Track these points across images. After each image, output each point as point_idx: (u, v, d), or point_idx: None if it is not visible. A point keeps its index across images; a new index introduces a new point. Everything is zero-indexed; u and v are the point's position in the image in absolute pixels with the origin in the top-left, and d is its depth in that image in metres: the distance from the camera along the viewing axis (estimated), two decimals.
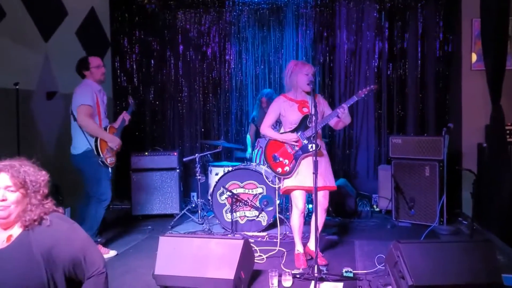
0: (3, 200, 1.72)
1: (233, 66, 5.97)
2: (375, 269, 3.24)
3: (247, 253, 2.95)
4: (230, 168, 4.60)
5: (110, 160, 3.90)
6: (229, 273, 2.71)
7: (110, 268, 3.70)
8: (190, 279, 2.78)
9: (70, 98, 4.99)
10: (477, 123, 4.91)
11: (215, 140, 5.16)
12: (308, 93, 3.46)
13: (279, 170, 3.50)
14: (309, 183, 3.20)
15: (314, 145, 3.09)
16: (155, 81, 6.11)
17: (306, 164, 3.38)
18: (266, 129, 3.57)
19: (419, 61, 5.48)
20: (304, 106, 3.47)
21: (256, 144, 5.35)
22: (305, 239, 3.79)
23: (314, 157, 2.97)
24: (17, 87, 4.12)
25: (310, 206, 4.88)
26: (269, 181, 4.39)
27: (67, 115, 4.98)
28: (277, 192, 3.85)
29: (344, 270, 3.16)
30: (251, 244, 3.83)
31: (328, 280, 3.06)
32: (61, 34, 4.98)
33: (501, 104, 4.33)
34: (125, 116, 4.23)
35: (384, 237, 4.23)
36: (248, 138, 5.34)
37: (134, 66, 6.14)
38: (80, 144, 3.82)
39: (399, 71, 5.55)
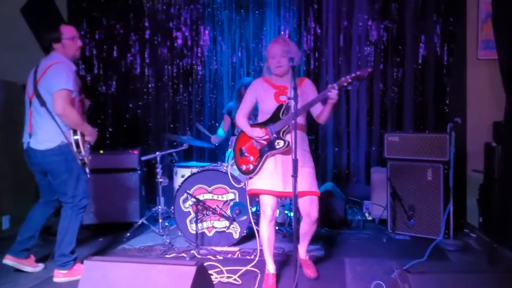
0: None
1: (206, 54, 5.23)
2: None
3: (201, 282, 2.21)
4: (196, 170, 3.86)
5: (88, 157, 3.12)
6: None
7: None
8: None
9: (9, 85, 4.23)
10: (484, 119, 4.26)
11: (182, 136, 4.40)
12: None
13: (243, 167, 2.90)
14: (278, 187, 2.75)
15: (282, 142, 2.72)
16: (117, 70, 5.34)
17: (274, 164, 2.77)
18: (239, 117, 2.98)
19: (418, 49, 4.80)
20: (282, 94, 2.85)
21: (230, 143, 4.61)
22: (280, 256, 3.31)
23: (293, 156, 2.36)
24: None
25: (291, 213, 4.20)
26: (242, 185, 3.67)
27: (8, 103, 4.20)
28: (248, 197, 3.13)
29: None
30: (216, 264, 3.14)
31: None
32: (1, 10, 4.21)
33: None
34: (85, 101, 3.35)
35: (380, 253, 3.55)
36: (220, 131, 4.57)
37: (94, 52, 5.37)
38: (51, 137, 2.97)
39: (395, 60, 4.87)
